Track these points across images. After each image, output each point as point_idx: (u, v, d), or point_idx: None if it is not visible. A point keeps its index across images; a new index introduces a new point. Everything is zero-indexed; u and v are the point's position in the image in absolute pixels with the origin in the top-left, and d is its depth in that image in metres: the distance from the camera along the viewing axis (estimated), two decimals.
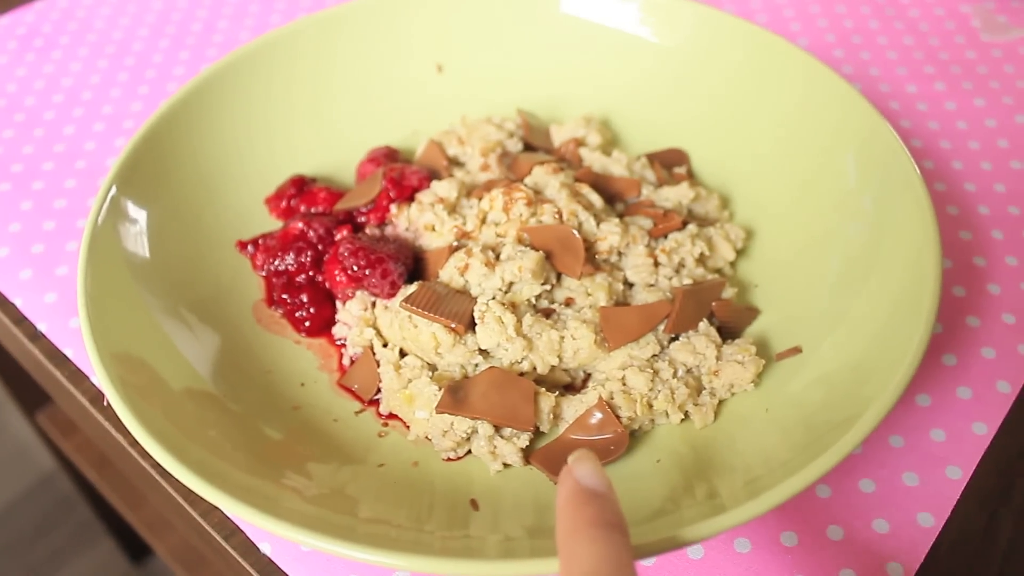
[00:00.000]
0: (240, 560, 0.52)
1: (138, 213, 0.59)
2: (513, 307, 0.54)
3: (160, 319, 0.55)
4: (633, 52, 0.70)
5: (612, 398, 0.52)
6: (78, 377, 0.60)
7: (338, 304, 0.60)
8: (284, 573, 0.51)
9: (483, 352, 0.54)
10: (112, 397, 0.47)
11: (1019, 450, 0.55)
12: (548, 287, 0.55)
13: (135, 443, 0.56)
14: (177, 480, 0.46)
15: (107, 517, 1.37)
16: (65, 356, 0.61)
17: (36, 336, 0.62)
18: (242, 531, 0.52)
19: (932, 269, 0.50)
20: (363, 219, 0.63)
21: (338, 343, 0.59)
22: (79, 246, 0.55)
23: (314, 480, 0.49)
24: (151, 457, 0.46)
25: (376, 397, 0.56)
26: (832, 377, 0.50)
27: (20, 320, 0.63)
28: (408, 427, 0.54)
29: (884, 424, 0.45)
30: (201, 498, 0.51)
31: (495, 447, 0.51)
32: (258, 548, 0.52)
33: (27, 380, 0.89)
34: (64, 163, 0.74)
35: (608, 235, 0.57)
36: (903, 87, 0.79)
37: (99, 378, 0.48)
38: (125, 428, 0.48)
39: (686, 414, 0.53)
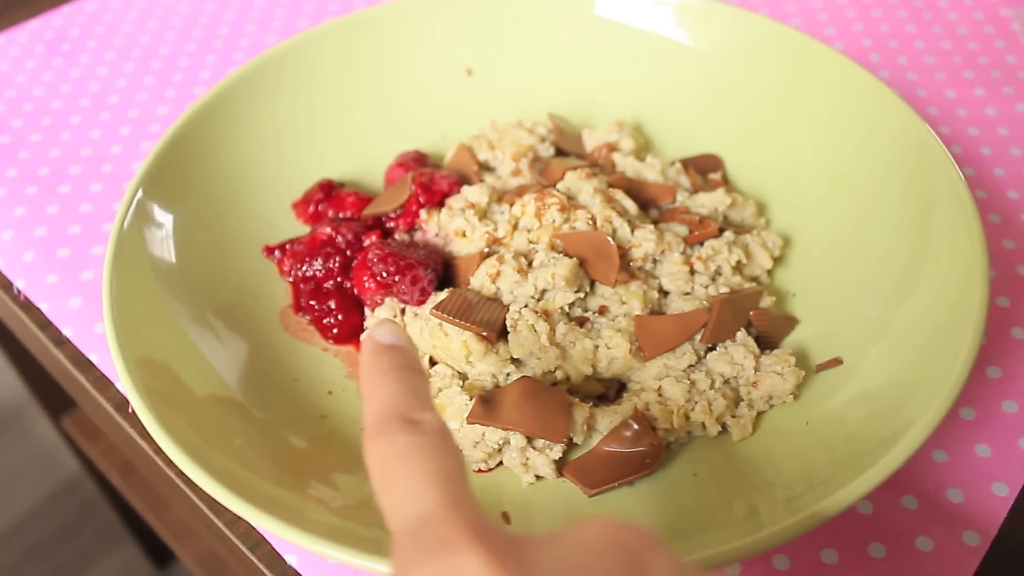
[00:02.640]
0: (266, 572, 0.51)
1: (164, 217, 0.58)
2: (546, 315, 0.53)
3: (186, 325, 0.54)
4: (667, 56, 0.68)
5: (648, 409, 0.50)
6: (103, 383, 0.60)
7: (367, 311, 0.59)
8: None
9: (515, 361, 0.53)
10: (136, 404, 0.46)
11: None
12: (582, 295, 0.54)
13: (160, 450, 0.56)
14: (202, 489, 0.45)
15: (131, 522, 1.37)
16: (90, 361, 0.60)
17: (61, 341, 0.62)
18: (268, 542, 0.51)
19: (979, 280, 0.48)
20: (392, 224, 0.61)
21: None
22: (104, 251, 0.54)
23: (340, 491, 0.48)
24: (176, 465, 0.45)
25: None
26: (875, 391, 0.49)
27: (45, 325, 0.63)
28: None
29: (927, 438, 0.43)
30: (226, 507, 0.51)
31: (527, 459, 0.50)
32: (284, 560, 0.51)
33: (52, 384, 0.88)
34: (90, 167, 0.74)
35: (643, 242, 0.56)
36: (942, 92, 0.77)
37: (123, 385, 0.48)
38: (149, 435, 0.47)
39: (724, 426, 0.51)
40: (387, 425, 0.34)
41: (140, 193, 0.57)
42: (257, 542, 0.52)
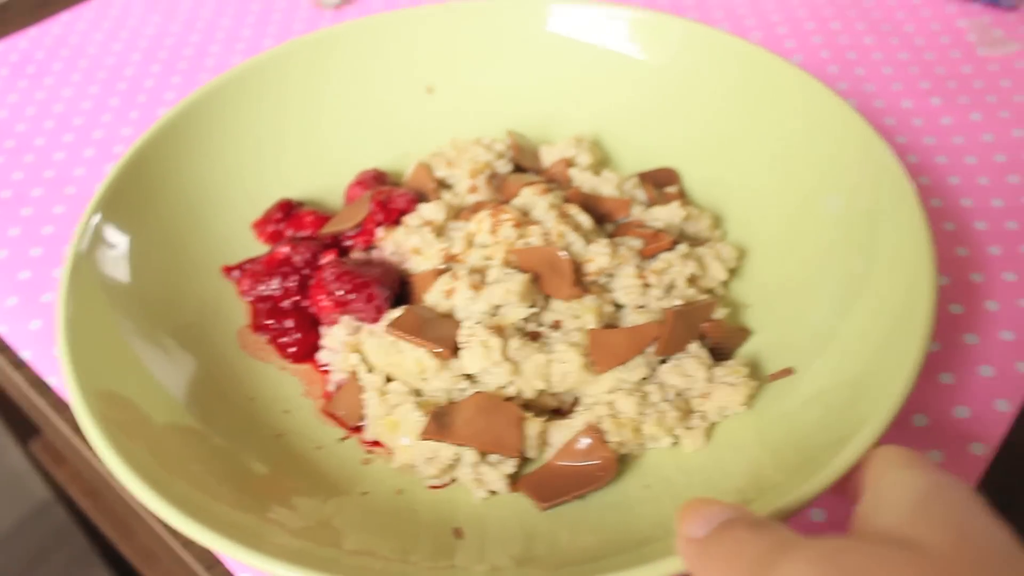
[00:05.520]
0: None
1: (122, 239, 0.58)
2: (499, 331, 0.53)
3: (142, 347, 0.54)
4: (622, 70, 0.69)
5: (600, 423, 0.51)
6: (62, 406, 0.60)
7: (323, 329, 0.59)
8: None
9: (469, 377, 0.53)
10: (91, 433, 0.46)
11: (1020, 469, 0.54)
12: (535, 310, 0.54)
13: None
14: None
15: (102, 547, 1.35)
16: (47, 385, 0.60)
17: (19, 364, 0.61)
18: (222, 563, 0.51)
19: (927, 286, 0.48)
20: (350, 243, 0.62)
21: (323, 369, 0.58)
22: None
23: (299, 512, 0.48)
24: None
25: (361, 424, 0.54)
26: (825, 398, 0.49)
27: (3, 348, 0.62)
28: (392, 454, 0.53)
29: (873, 444, 0.44)
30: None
31: (480, 474, 0.50)
32: None
33: (18, 409, 0.88)
34: (53, 189, 0.74)
35: (597, 256, 0.56)
36: (898, 102, 0.78)
37: (78, 413, 0.47)
38: None
39: (677, 438, 0.52)
40: None
41: (98, 216, 0.57)
42: (212, 563, 0.52)
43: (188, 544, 0.52)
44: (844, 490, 0.43)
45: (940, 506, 0.34)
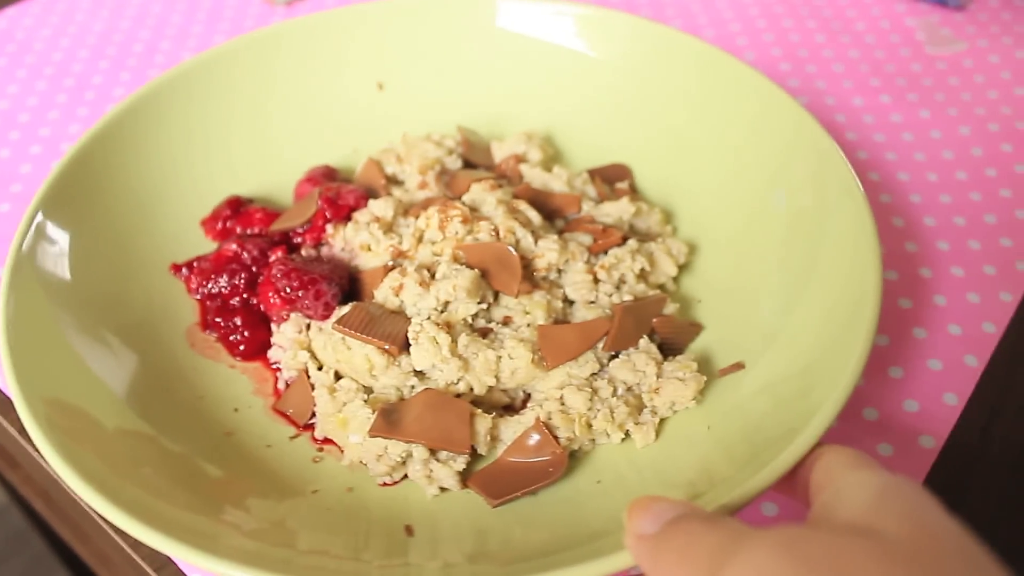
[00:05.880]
0: None
1: (64, 237, 0.57)
2: (448, 327, 0.53)
3: (87, 347, 0.53)
4: (573, 67, 0.69)
5: (550, 418, 0.51)
6: (8, 407, 0.58)
7: (273, 327, 0.58)
8: None
9: (419, 374, 0.53)
10: (37, 437, 0.45)
11: (968, 461, 0.54)
12: (484, 306, 0.54)
13: None
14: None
15: (60, 550, 1.33)
16: None
17: None
18: (173, 563, 0.51)
19: (872, 280, 0.49)
20: (299, 240, 0.61)
21: (274, 367, 0.57)
22: None
23: (252, 513, 0.47)
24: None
25: (312, 421, 0.54)
26: (774, 391, 0.49)
27: None
28: (343, 452, 0.52)
29: (831, 439, 0.44)
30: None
31: (431, 471, 0.50)
32: None
33: None
34: None
35: (546, 252, 0.56)
36: (849, 100, 0.79)
37: (23, 417, 0.46)
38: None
39: (627, 433, 0.52)
40: None
41: (40, 214, 0.56)
42: (163, 563, 0.51)
43: (136, 546, 0.52)
44: (792, 489, 0.43)
45: (896, 501, 0.34)
